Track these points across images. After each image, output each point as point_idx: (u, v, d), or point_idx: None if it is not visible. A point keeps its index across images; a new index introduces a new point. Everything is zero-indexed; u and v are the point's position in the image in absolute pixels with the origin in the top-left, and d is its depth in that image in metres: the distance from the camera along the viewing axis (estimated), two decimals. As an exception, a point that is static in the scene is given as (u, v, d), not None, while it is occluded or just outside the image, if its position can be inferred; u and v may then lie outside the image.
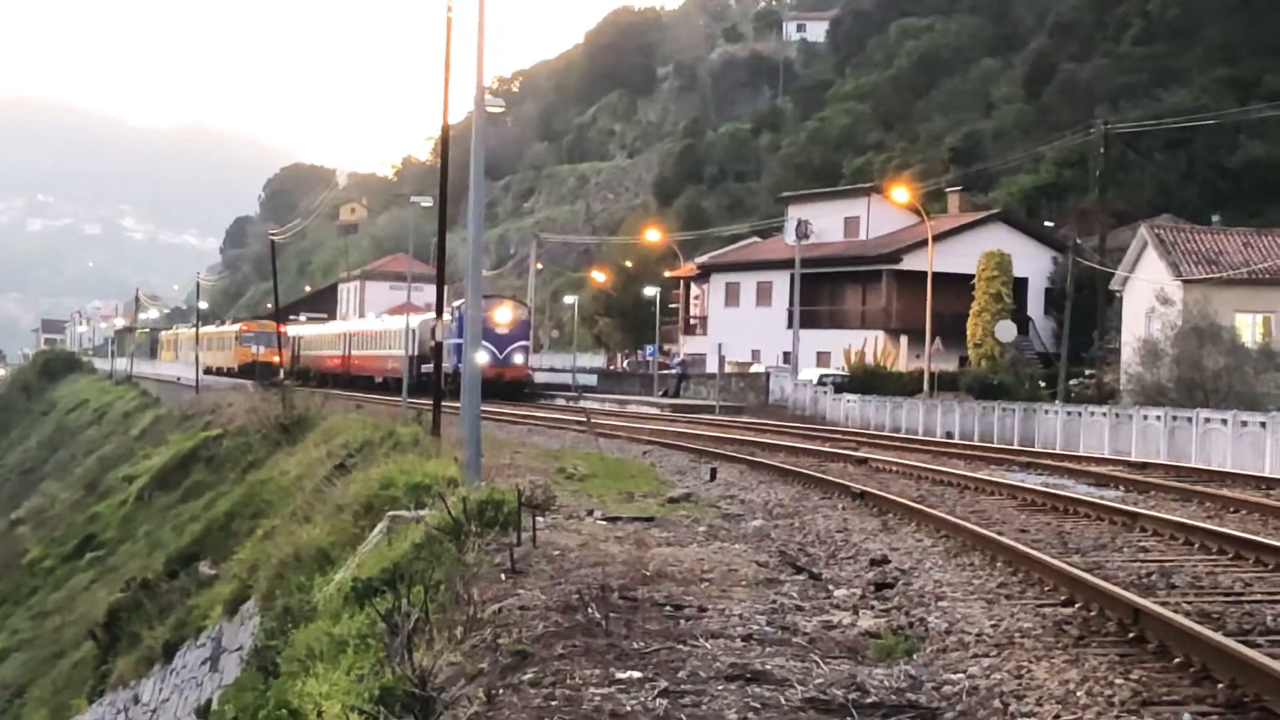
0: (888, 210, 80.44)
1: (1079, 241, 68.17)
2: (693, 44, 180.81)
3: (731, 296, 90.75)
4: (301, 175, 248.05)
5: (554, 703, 9.76)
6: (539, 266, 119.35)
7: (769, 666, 10.74)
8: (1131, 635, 12.01)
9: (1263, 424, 36.45)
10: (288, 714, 12.70)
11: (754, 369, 78.82)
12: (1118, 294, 64.27)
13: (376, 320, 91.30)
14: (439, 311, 38.80)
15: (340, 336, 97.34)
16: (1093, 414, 46.09)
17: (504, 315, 74.56)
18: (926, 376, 63.57)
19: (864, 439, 43.48)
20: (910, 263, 75.37)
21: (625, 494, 23.95)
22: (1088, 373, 64.80)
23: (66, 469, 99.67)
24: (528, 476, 23.45)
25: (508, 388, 71.12)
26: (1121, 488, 26.67)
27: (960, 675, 10.70)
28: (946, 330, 68.72)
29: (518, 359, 75.42)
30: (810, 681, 10.34)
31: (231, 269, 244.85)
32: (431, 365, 70.14)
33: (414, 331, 66.96)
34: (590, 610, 12.36)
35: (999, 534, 18.09)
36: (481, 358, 75.85)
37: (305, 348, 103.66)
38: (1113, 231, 68.57)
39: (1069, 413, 47.80)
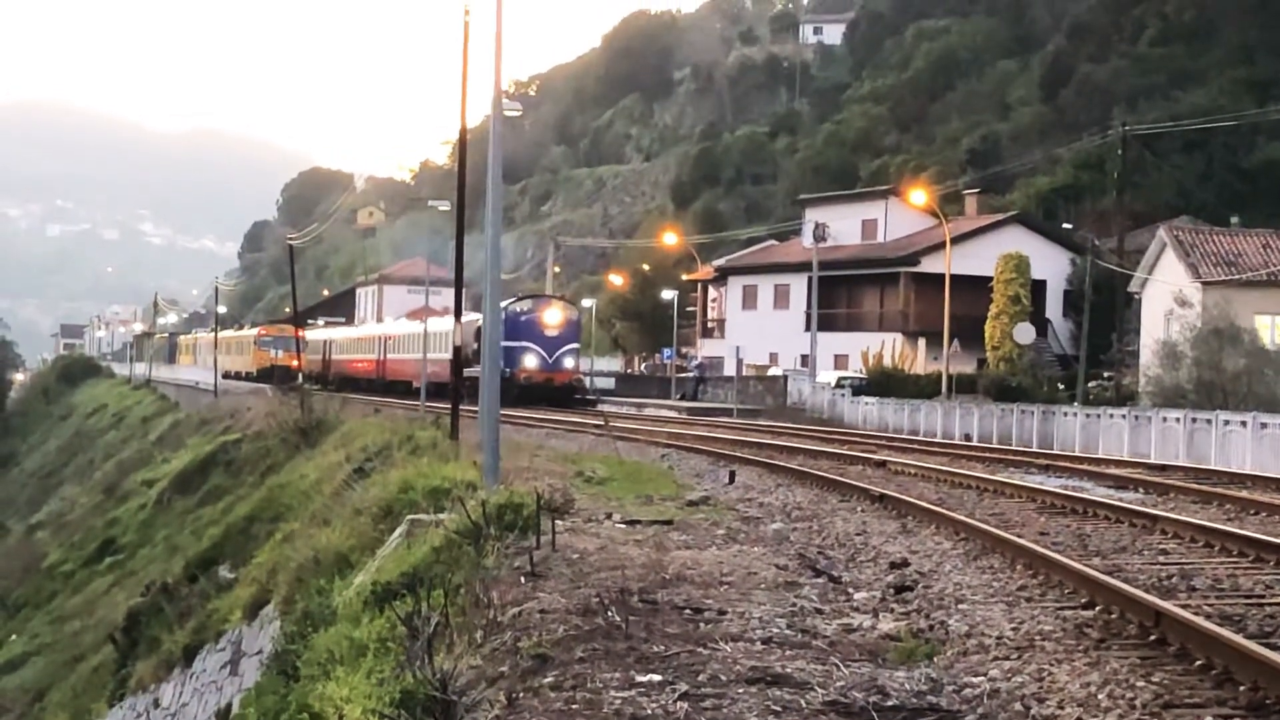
0: (905, 212, 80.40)
1: (1097, 243, 68.08)
2: (709, 47, 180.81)
3: (749, 299, 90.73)
4: (319, 179, 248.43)
5: (574, 706, 9.76)
6: (556, 270, 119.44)
7: (789, 670, 10.73)
8: (1153, 638, 11.98)
9: (1282, 426, 36.37)
10: (309, 718, 12.72)
11: (772, 372, 78.77)
12: (1136, 296, 64.19)
13: (414, 323, 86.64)
14: (457, 315, 38.79)
15: (375, 339, 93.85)
16: (1111, 416, 46.00)
17: (554, 316, 71.47)
18: (945, 379, 63.51)
19: (882, 442, 43.41)
20: (928, 265, 75.36)
21: (644, 497, 23.93)
22: (1106, 375, 64.70)
23: (85, 473, 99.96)
24: (546, 480, 23.44)
25: (557, 393, 68.64)
26: (1141, 490, 26.60)
27: (981, 678, 10.68)
28: (964, 332, 68.63)
29: (568, 363, 71.76)
30: (831, 684, 10.33)
31: (249, 273, 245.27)
32: (474, 369, 69.22)
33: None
34: (610, 613, 12.36)
35: (1019, 536, 18.05)
36: (530, 361, 73.49)
37: (337, 351, 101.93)
38: (1131, 233, 68.49)
39: (1088, 415, 47.70)
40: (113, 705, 39.61)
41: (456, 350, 38.96)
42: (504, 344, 67.71)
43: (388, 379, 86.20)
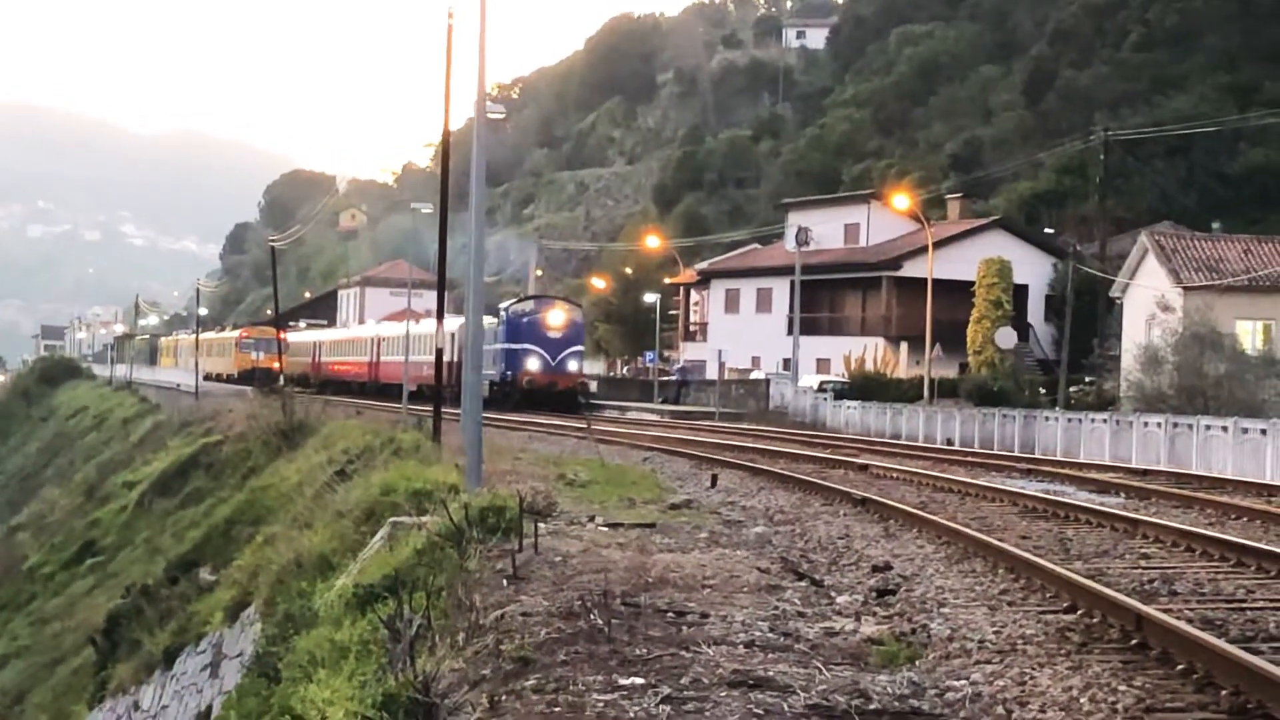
0: (888, 217, 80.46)
1: (1079, 248, 68.18)
2: (692, 50, 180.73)
3: (731, 303, 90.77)
4: (301, 181, 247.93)
5: (557, 709, 9.75)
6: (539, 273, 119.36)
7: (772, 673, 10.73)
8: (1134, 642, 12.01)
9: (1263, 431, 36.46)
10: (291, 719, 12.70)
11: (754, 376, 78.76)
12: (1118, 301, 64.30)
13: (410, 324, 79.71)
14: (439, 317, 38.75)
15: (368, 341, 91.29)
16: (1093, 421, 46.08)
17: (557, 318, 69.43)
18: (927, 383, 63.54)
19: (864, 446, 43.45)
20: (910, 269, 75.42)
21: (626, 500, 23.92)
22: (1088, 379, 64.79)
23: (66, 475, 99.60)
24: (529, 483, 23.43)
25: (561, 398, 65.82)
26: (1122, 494, 26.66)
27: (963, 682, 10.69)
28: (946, 337, 68.70)
29: (572, 366, 69.37)
30: (813, 688, 10.34)
31: (231, 275, 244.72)
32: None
33: (453, 335, 61.25)
34: (593, 616, 12.36)
35: (1000, 540, 18.08)
36: (533, 364, 71.20)
37: (327, 353, 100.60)
38: (1113, 238, 68.64)
39: (1069, 419, 47.77)
40: (93, 707, 39.53)
41: (439, 352, 38.99)
42: (505, 346, 67.54)
43: (381, 381, 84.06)
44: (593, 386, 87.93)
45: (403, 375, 74.32)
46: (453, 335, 60.74)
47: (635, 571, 15.31)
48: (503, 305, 70.89)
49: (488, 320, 69.08)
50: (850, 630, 12.67)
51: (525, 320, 68.71)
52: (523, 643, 11.51)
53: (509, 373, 67.34)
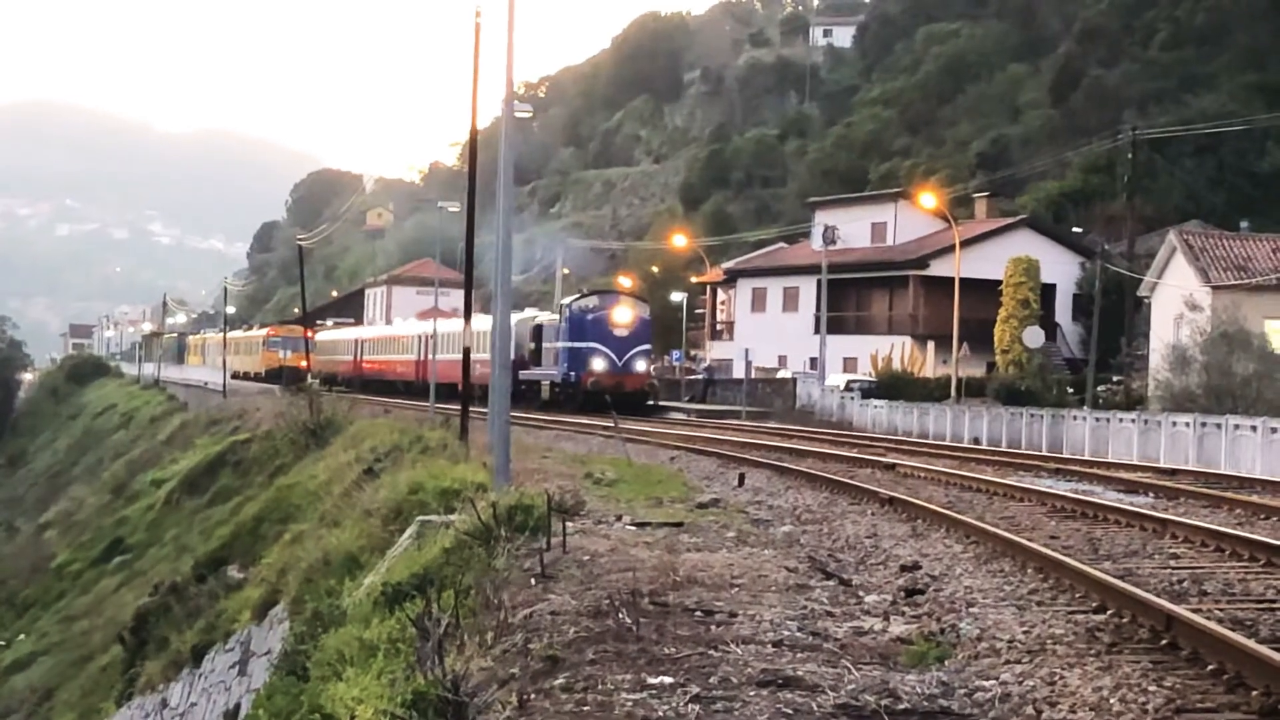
0: (915, 216, 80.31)
1: (1107, 247, 67.99)
2: (719, 49, 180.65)
3: (758, 302, 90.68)
4: (328, 180, 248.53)
5: (586, 708, 9.76)
6: (566, 271, 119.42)
7: (801, 672, 10.72)
8: (1164, 642, 11.98)
9: (1292, 430, 36.33)
10: (321, 718, 12.73)
11: (781, 374, 78.66)
12: (1146, 300, 64.12)
13: (460, 321, 76.31)
14: (467, 316, 38.80)
15: (415, 339, 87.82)
16: (1121, 420, 45.95)
17: (624, 315, 65.51)
18: (954, 382, 63.43)
19: (891, 445, 43.35)
20: (937, 268, 75.30)
21: (654, 499, 23.91)
22: (1115, 379, 64.60)
23: (94, 473, 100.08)
24: (556, 482, 23.46)
25: (628, 399, 61.61)
26: (1151, 494, 26.58)
27: (993, 682, 10.68)
28: (974, 336, 68.56)
29: (640, 366, 65.78)
30: (842, 688, 10.33)
31: (259, 274, 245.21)
32: (531, 371, 66.61)
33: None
34: (621, 615, 12.36)
35: (1029, 540, 18.04)
36: (598, 364, 68.82)
37: (370, 352, 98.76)
38: (1141, 237, 68.38)
39: (1097, 419, 47.65)
40: (121, 705, 39.73)
41: (466, 351, 38.97)
42: (569, 345, 66.48)
43: (429, 380, 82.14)
44: None
45: (457, 375, 71.78)
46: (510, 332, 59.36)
47: (663, 570, 15.30)
48: (565, 301, 69.54)
49: (549, 317, 68.62)
50: (879, 630, 12.66)
51: (590, 317, 65.33)
52: (551, 641, 11.53)
53: (573, 373, 64.79)
